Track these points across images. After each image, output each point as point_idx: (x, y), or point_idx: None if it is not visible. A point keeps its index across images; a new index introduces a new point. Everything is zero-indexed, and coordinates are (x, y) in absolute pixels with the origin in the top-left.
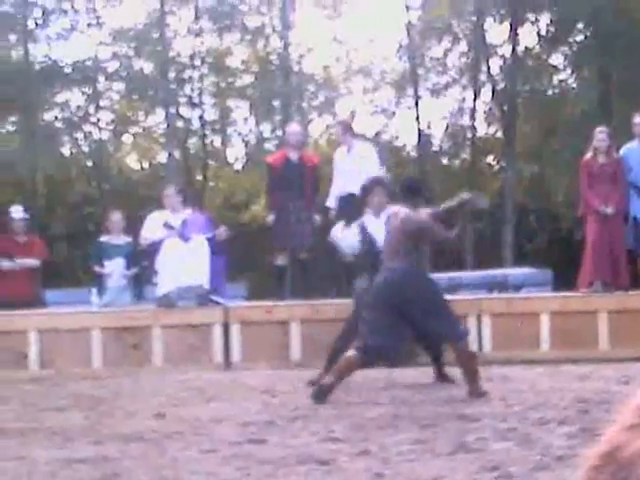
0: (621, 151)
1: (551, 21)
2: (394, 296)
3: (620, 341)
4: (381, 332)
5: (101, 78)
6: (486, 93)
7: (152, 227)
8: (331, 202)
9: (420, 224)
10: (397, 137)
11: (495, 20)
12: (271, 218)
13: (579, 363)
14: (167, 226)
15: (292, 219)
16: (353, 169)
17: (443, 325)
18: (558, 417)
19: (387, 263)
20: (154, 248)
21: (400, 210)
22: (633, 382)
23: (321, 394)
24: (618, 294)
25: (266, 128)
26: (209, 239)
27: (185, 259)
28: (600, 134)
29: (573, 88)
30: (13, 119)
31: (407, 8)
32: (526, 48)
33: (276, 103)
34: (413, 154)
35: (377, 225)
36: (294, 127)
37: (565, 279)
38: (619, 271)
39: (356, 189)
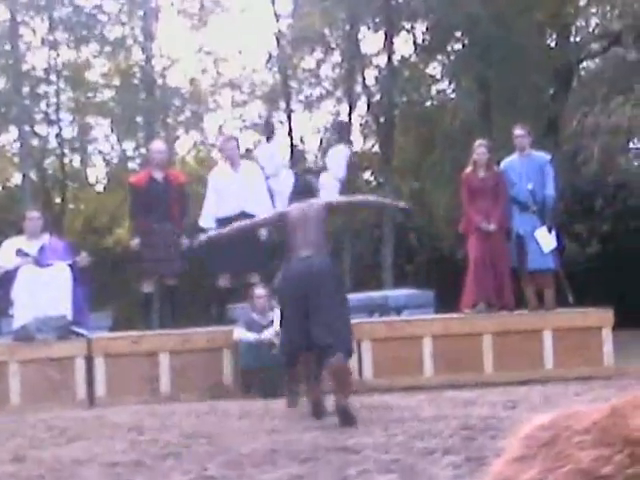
0: (502, 164)
1: (427, 29)
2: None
3: (505, 364)
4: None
5: None
6: (362, 106)
7: (7, 254)
8: (206, 222)
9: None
10: None
11: (369, 29)
12: (136, 242)
13: (463, 388)
14: (21, 253)
15: (159, 243)
16: (241, 188)
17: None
18: (443, 446)
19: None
20: (9, 277)
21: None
22: (519, 407)
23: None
24: (502, 315)
25: (129, 146)
26: (70, 266)
27: (44, 288)
28: (479, 147)
29: (452, 99)
30: None
31: (277, 16)
32: (402, 57)
33: (139, 119)
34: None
35: None
36: (158, 144)
37: (447, 300)
38: (503, 291)
39: (249, 208)
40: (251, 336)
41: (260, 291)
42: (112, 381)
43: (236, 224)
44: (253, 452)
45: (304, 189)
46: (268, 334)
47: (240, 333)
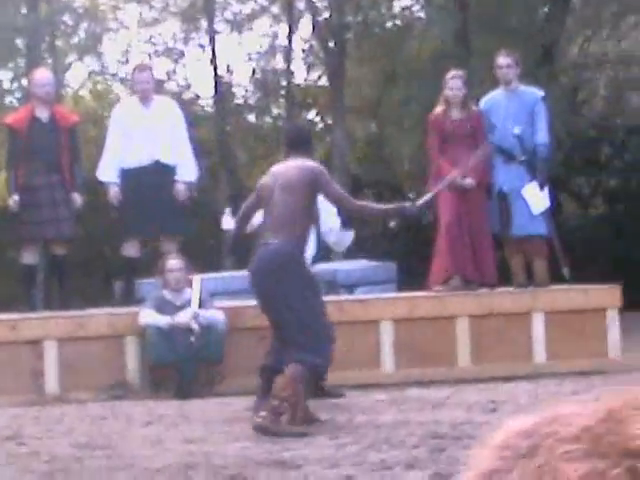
0: (481, 103)
1: None
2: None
3: (485, 355)
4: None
5: None
6: (305, 26)
7: None
8: (107, 175)
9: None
10: (187, 86)
11: None
12: (14, 200)
13: (432, 386)
14: None
15: (44, 201)
16: (154, 131)
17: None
18: (405, 459)
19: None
20: None
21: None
22: (502, 409)
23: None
24: (481, 293)
25: (5, 76)
26: None
27: None
28: (453, 80)
29: (420, 18)
30: None
31: None
32: None
33: (19, 41)
34: (209, 109)
35: None
36: (43, 74)
37: (413, 275)
38: (482, 262)
39: (161, 156)
40: (162, 320)
41: (173, 263)
42: None
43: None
44: (163, 467)
45: (294, 138)
46: (184, 317)
47: (148, 316)
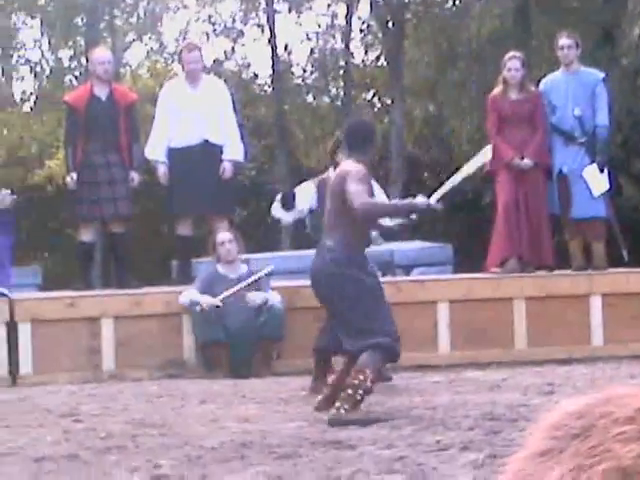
0: (541, 84)
1: None
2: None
3: (542, 338)
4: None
5: None
6: (364, 6)
7: None
8: (156, 154)
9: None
10: (246, 65)
11: None
12: (73, 178)
13: (488, 368)
14: None
15: (102, 179)
16: (203, 111)
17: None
18: (461, 441)
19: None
20: None
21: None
22: (559, 392)
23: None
24: (539, 275)
25: (65, 54)
26: None
27: None
28: (511, 61)
29: (479, 0)
30: None
31: None
32: None
33: (78, 20)
34: (267, 88)
35: None
36: (102, 53)
37: (470, 256)
38: (540, 244)
39: (209, 136)
40: (203, 299)
41: (224, 235)
42: (41, 354)
43: None
44: (218, 446)
45: (353, 137)
46: (256, 298)
47: (186, 296)
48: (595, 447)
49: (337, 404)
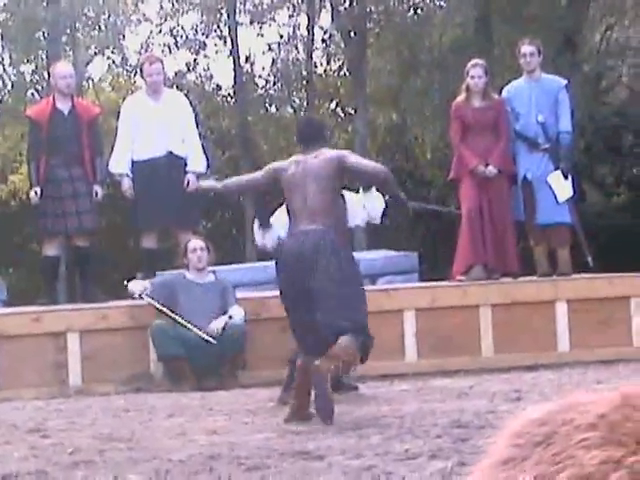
0: (504, 91)
1: None
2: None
3: (508, 345)
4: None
5: None
6: (325, 16)
7: None
8: (120, 167)
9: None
10: (209, 77)
11: None
12: (36, 192)
13: (456, 375)
14: None
15: (65, 193)
16: (165, 124)
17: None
18: (429, 449)
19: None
20: None
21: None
22: (526, 398)
23: None
24: (504, 282)
25: (27, 69)
26: None
27: None
28: (474, 69)
29: (441, 7)
30: None
31: None
32: None
33: (39, 34)
34: (230, 99)
35: None
36: (64, 67)
37: (435, 264)
38: (505, 251)
39: (173, 148)
40: (134, 285)
41: (197, 243)
42: (6, 370)
43: (226, 182)
44: (186, 459)
45: (307, 132)
46: (216, 325)
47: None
48: (558, 454)
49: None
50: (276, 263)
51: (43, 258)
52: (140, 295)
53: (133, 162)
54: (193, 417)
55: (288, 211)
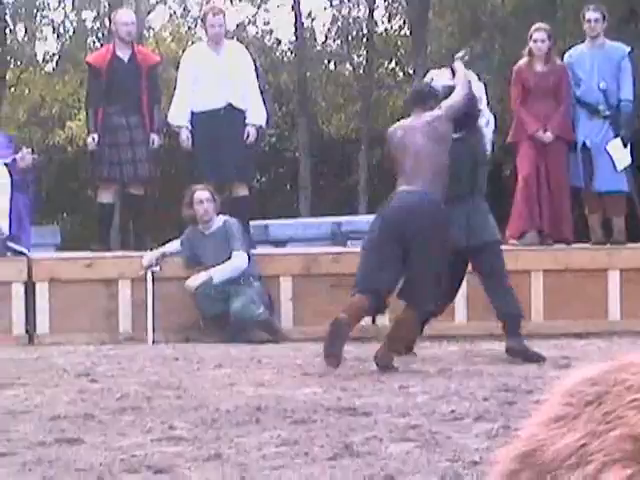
0: (566, 56)
1: None
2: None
3: (558, 311)
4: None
5: None
6: None
7: None
8: (178, 119)
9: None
10: (268, 32)
11: None
12: (94, 139)
13: (504, 339)
14: None
15: (122, 141)
16: (226, 75)
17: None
18: (475, 411)
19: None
20: None
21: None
22: (574, 365)
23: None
24: (558, 248)
25: (88, 15)
26: (7, 166)
27: None
28: (537, 33)
29: None
30: None
31: None
32: None
33: None
34: (289, 55)
35: None
36: (125, 14)
37: None
38: (560, 217)
39: (233, 100)
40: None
41: (202, 194)
42: (58, 314)
43: None
44: (233, 409)
45: (414, 96)
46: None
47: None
48: (608, 414)
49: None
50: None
51: (98, 205)
52: (148, 268)
53: (192, 114)
54: (241, 369)
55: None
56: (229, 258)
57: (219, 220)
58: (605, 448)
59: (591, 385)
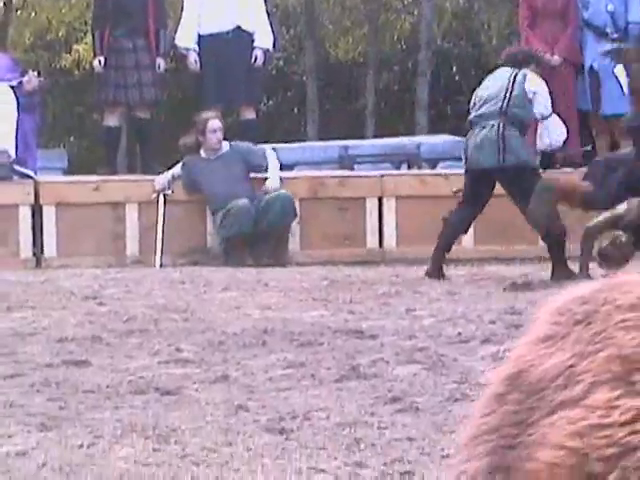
0: None
1: None
2: None
3: (568, 236)
4: None
5: None
6: None
7: None
8: (186, 41)
9: None
10: None
11: None
12: (100, 61)
13: (513, 263)
14: None
15: (128, 63)
16: None
17: None
18: (481, 333)
19: None
20: None
21: None
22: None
23: None
24: (566, 171)
25: None
26: (13, 88)
27: None
28: None
29: None
30: None
31: None
32: None
33: None
34: None
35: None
36: None
37: None
38: (569, 139)
39: (241, 22)
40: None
41: (215, 123)
42: (65, 237)
43: None
44: (240, 331)
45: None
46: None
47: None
48: (597, 334)
49: None
50: None
51: (104, 128)
52: (161, 191)
53: (200, 36)
54: (248, 292)
55: None
56: (242, 179)
57: (225, 145)
58: (593, 369)
59: (581, 304)
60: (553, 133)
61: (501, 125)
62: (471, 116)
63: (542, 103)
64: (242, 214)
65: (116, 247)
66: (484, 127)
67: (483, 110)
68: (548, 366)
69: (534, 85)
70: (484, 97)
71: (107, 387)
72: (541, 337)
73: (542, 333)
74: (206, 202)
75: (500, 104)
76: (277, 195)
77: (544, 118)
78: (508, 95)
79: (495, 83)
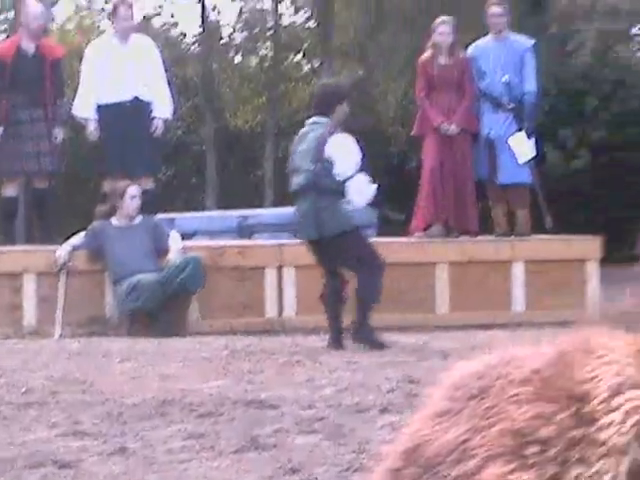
0: (470, 49)
1: None
2: None
3: (463, 303)
4: None
5: None
6: None
7: None
8: (83, 111)
9: None
10: (174, 24)
11: None
12: None
13: (410, 331)
14: None
15: (26, 134)
16: (133, 67)
17: None
18: (380, 403)
19: None
20: None
21: None
22: (480, 355)
23: None
24: (462, 240)
25: None
26: None
27: None
28: (441, 26)
29: None
30: None
31: None
32: None
33: None
34: (195, 47)
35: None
36: (35, 7)
37: (394, 220)
38: (465, 210)
39: (139, 92)
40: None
41: (135, 190)
42: None
43: None
44: (139, 403)
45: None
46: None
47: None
48: (491, 408)
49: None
50: None
51: (2, 198)
52: (63, 265)
53: (99, 106)
54: (147, 362)
55: None
56: (150, 252)
57: (139, 216)
58: (486, 444)
59: (477, 379)
60: (358, 194)
61: (314, 198)
62: (291, 187)
63: (342, 164)
64: (150, 289)
65: (13, 318)
66: (303, 200)
67: (298, 181)
68: (443, 441)
69: (335, 146)
70: (295, 166)
71: (4, 461)
72: (437, 412)
73: (438, 408)
74: (106, 271)
75: (309, 177)
76: (189, 258)
77: (348, 179)
78: (314, 166)
79: (302, 147)
